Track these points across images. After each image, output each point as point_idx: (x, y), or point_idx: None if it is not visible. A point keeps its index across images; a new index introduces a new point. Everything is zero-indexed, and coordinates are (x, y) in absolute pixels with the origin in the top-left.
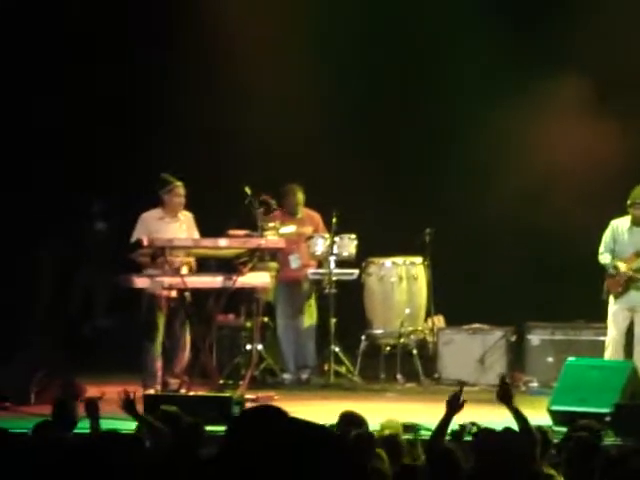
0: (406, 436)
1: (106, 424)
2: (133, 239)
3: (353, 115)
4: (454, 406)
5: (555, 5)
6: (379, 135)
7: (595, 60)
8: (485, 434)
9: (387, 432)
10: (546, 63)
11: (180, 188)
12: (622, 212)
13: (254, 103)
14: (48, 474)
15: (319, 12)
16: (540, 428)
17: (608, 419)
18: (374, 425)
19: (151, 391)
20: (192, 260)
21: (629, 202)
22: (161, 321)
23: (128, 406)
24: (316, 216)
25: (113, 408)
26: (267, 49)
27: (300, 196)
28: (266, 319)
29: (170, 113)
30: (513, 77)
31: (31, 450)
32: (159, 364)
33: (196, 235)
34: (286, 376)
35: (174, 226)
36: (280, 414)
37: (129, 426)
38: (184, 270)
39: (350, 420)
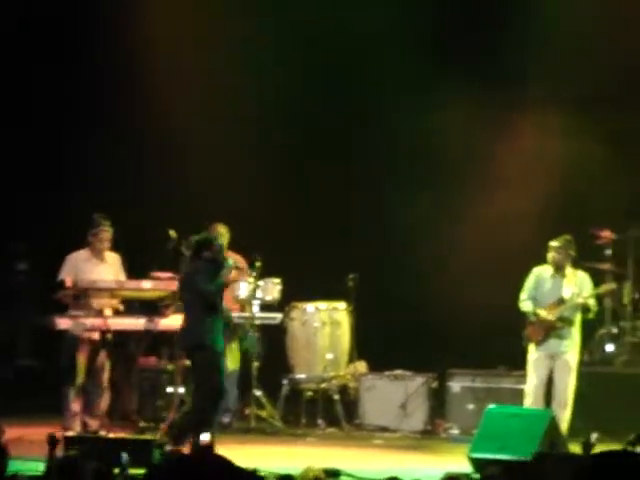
0: None
1: (15, 466)
2: (59, 279)
3: (277, 161)
4: None
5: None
6: (303, 181)
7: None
8: None
9: (310, 477)
10: None
11: (105, 233)
12: (542, 260)
13: (180, 147)
14: None
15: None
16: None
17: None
18: (295, 470)
19: (71, 433)
20: (117, 302)
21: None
22: (81, 362)
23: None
24: (240, 259)
25: (30, 450)
26: (197, 92)
27: (222, 232)
28: (188, 362)
29: (99, 154)
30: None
31: None
32: (78, 405)
33: (122, 277)
34: None
35: (101, 267)
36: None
37: (38, 468)
38: (107, 312)
39: None
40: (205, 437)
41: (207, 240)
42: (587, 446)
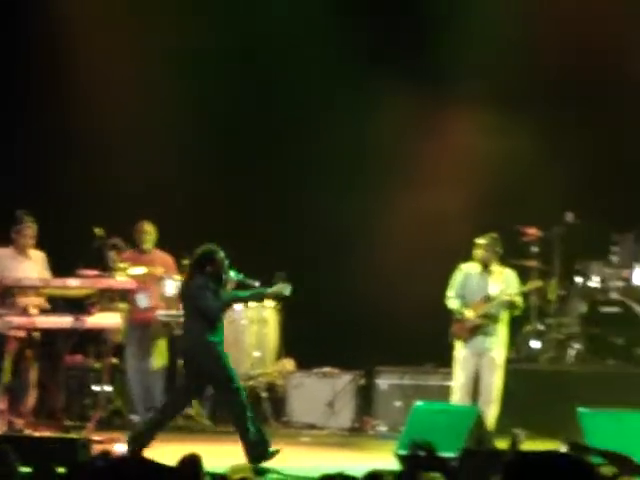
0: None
1: None
2: None
3: (208, 161)
4: None
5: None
6: (237, 182)
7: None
8: None
9: (238, 476)
10: None
11: (29, 229)
12: (471, 258)
13: (110, 147)
14: None
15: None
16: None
17: (455, 464)
18: (223, 468)
19: None
20: (42, 300)
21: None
22: (7, 361)
23: None
24: (168, 257)
25: None
26: (125, 94)
27: (149, 230)
28: (115, 360)
29: (25, 152)
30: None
31: None
32: (3, 404)
33: (47, 275)
34: (134, 418)
35: (26, 265)
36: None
37: None
38: (33, 310)
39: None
40: (120, 448)
41: (209, 254)
42: (514, 443)
